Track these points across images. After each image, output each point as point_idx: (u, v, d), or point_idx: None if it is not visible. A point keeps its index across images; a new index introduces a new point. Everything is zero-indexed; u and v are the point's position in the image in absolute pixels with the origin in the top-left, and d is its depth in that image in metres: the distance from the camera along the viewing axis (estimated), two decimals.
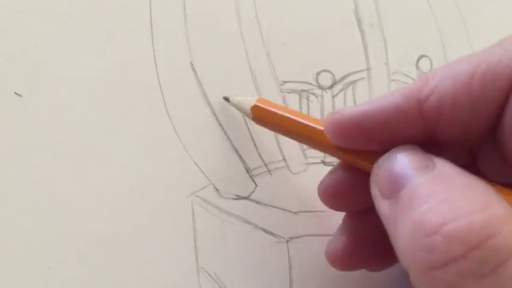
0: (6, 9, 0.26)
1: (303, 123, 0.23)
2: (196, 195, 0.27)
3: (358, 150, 0.21)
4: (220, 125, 0.28)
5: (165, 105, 0.27)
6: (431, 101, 0.20)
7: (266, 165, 0.28)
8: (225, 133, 0.28)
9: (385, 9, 0.31)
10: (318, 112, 0.29)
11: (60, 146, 0.26)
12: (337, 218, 0.25)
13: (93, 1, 0.27)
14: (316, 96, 0.29)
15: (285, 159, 0.28)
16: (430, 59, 0.31)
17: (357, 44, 0.30)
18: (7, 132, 0.25)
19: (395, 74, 0.31)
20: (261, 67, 0.29)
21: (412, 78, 0.31)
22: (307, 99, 0.29)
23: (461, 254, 0.16)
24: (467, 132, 0.20)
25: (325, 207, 0.27)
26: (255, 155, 0.28)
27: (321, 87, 0.30)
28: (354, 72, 0.30)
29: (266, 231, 0.27)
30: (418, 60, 0.31)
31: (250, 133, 0.28)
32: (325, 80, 0.30)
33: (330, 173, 0.24)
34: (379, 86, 0.30)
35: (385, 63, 0.31)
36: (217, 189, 0.27)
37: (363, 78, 0.30)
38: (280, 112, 0.24)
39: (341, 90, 0.30)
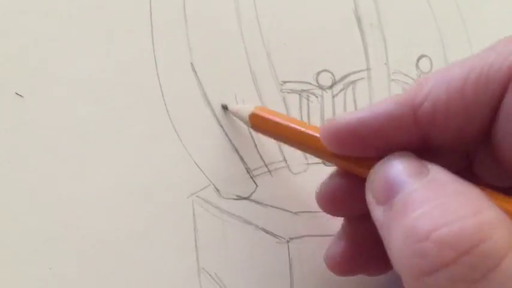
0: (6, 9, 0.26)
1: (299, 131, 0.24)
2: (197, 196, 0.27)
3: (354, 156, 0.22)
4: (220, 125, 0.28)
5: (165, 105, 0.27)
6: (425, 107, 0.20)
7: (266, 166, 0.28)
8: (226, 133, 0.28)
9: (385, 9, 0.31)
10: (318, 112, 0.29)
11: (60, 146, 0.26)
12: (337, 218, 0.25)
13: (93, 1, 0.27)
14: (316, 96, 0.29)
15: (285, 160, 0.28)
16: (430, 59, 0.31)
17: (357, 44, 0.31)
18: (8, 133, 0.25)
19: (395, 74, 0.31)
20: (261, 67, 0.29)
21: (412, 78, 0.31)
22: (307, 99, 0.29)
23: (452, 259, 0.16)
24: (461, 136, 0.20)
25: None
26: (255, 155, 0.28)
27: (321, 87, 0.30)
28: (354, 72, 0.30)
29: (267, 232, 0.27)
30: (418, 60, 0.31)
31: (250, 133, 0.28)
32: (325, 80, 0.30)
33: (328, 179, 0.24)
34: (379, 86, 0.30)
35: (385, 63, 0.31)
36: (217, 190, 0.27)
37: (363, 78, 0.30)
38: (277, 120, 0.25)
39: (341, 90, 0.30)
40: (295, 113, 0.29)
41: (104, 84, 0.27)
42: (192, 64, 0.28)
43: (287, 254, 0.27)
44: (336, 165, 0.24)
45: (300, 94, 0.29)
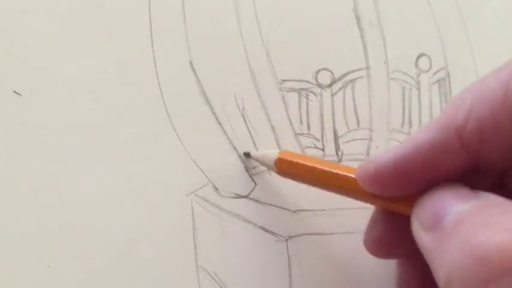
0: (6, 9, 0.26)
1: (334, 174, 0.22)
2: (195, 194, 0.27)
3: (396, 195, 0.20)
4: (219, 123, 0.28)
5: (164, 104, 0.27)
6: (470, 127, 0.18)
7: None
8: (225, 132, 0.28)
9: (384, 8, 0.31)
10: (317, 111, 0.29)
11: (59, 145, 0.26)
12: (336, 217, 0.25)
13: (93, 1, 0.27)
14: (316, 95, 0.29)
15: None
16: (429, 58, 0.31)
17: (356, 43, 0.30)
18: (6, 131, 0.25)
19: (394, 73, 0.31)
20: (260, 66, 0.29)
21: (412, 77, 0.31)
22: (307, 98, 0.29)
23: None
24: (508, 152, 0.19)
25: (324, 206, 0.27)
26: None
27: (320, 85, 0.30)
28: (353, 71, 0.30)
29: (265, 230, 0.27)
30: (417, 59, 0.31)
31: (249, 132, 0.28)
32: (325, 78, 0.30)
33: (371, 224, 0.23)
34: (378, 85, 0.30)
35: (385, 62, 0.31)
36: (216, 188, 0.27)
37: (362, 77, 0.30)
38: (307, 163, 0.24)
39: (340, 88, 0.30)
40: (294, 112, 0.29)
41: (103, 83, 0.27)
42: (191, 63, 0.28)
43: (286, 252, 0.27)
44: (375, 206, 0.23)
45: (299, 93, 0.29)
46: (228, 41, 0.29)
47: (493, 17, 0.33)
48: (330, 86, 0.30)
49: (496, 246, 0.15)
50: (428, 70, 0.31)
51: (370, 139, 0.29)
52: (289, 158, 0.25)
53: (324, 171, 0.23)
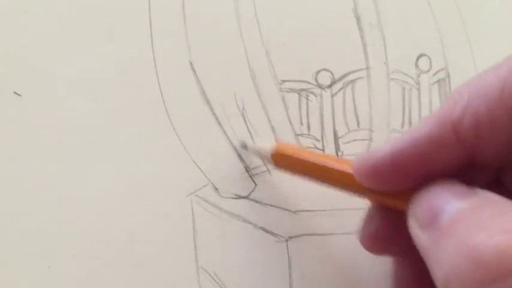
0: (6, 9, 0.26)
1: (330, 168, 0.22)
2: (195, 195, 0.27)
3: (392, 190, 0.20)
4: (219, 124, 0.28)
5: (164, 104, 0.27)
6: (467, 122, 0.19)
7: (265, 165, 0.28)
8: (225, 132, 0.28)
9: (384, 8, 0.31)
10: (317, 111, 0.29)
11: (59, 146, 0.26)
12: (335, 217, 0.25)
13: (93, 1, 0.27)
14: (316, 96, 0.29)
15: None
16: (429, 58, 0.31)
17: (356, 43, 0.30)
18: (6, 132, 0.25)
19: (394, 73, 0.31)
20: (260, 66, 0.29)
21: (412, 77, 0.31)
22: (306, 99, 0.29)
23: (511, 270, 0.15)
24: (505, 148, 0.19)
25: (324, 207, 0.27)
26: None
27: (320, 86, 0.29)
28: (353, 71, 0.30)
29: (265, 231, 0.27)
30: (417, 59, 0.31)
31: (249, 132, 0.28)
32: (325, 79, 0.30)
33: (367, 219, 0.23)
34: (378, 85, 0.30)
35: (385, 62, 0.31)
36: (216, 189, 0.27)
37: (362, 78, 0.30)
38: (304, 157, 0.24)
39: (340, 89, 0.30)
40: (294, 112, 0.29)
41: (103, 83, 0.27)
42: (191, 63, 0.28)
43: (286, 252, 0.27)
44: (371, 200, 0.23)
45: (299, 93, 0.29)
46: (228, 41, 0.29)
47: (493, 17, 0.33)
48: (330, 86, 0.30)
49: (493, 249, 0.15)
50: (428, 70, 0.31)
51: (370, 140, 0.29)
52: (286, 151, 0.25)
53: (320, 165, 0.23)
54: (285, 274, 0.27)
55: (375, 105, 0.30)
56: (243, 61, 0.29)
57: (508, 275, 0.15)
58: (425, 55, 0.31)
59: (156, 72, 0.27)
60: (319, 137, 0.29)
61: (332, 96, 0.30)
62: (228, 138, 0.28)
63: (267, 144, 0.26)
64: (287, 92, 0.29)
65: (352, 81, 0.30)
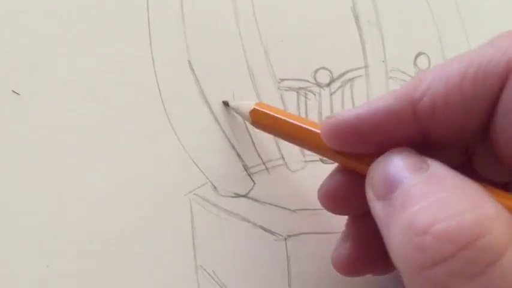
0: (6, 9, 0.26)
1: (300, 127, 0.24)
2: (194, 193, 0.27)
3: (354, 153, 0.22)
4: (218, 123, 0.28)
5: (163, 103, 0.27)
6: (424, 102, 0.20)
7: (264, 163, 0.28)
8: (223, 131, 0.28)
9: (383, 7, 0.31)
10: (316, 110, 0.29)
11: (57, 145, 0.26)
12: (336, 217, 0.25)
13: (92, 1, 0.27)
14: (314, 94, 0.29)
15: (283, 157, 0.28)
16: (428, 57, 0.31)
17: (355, 42, 0.30)
18: (4, 131, 0.25)
19: (393, 72, 0.31)
20: (258, 65, 0.29)
21: (410, 76, 0.31)
22: (305, 97, 0.29)
23: (451, 253, 0.16)
24: (460, 132, 0.20)
25: None
26: (253, 152, 0.28)
27: (318, 84, 0.30)
28: (352, 70, 0.30)
29: (264, 229, 0.27)
30: (416, 58, 0.31)
31: (248, 131, 0.28)
32: (323, 77, 0.30)
33: (329, 177, 0.24)
34: (377, 84, 0.30)
35: (383, 61, 0.31)
36: (215, 187, 0.27)
37: (360, 76, 0.30)
38: (278, 116, 0.25)
39: (339, 87, 0.30)
40: (293, 111, 0.29)
41: (102, 82, 0.27)
42: (189, 62, 0.28)
43: (285, 251, 0.27)
44: (336, 162, 0.24)
45: (297, 92, 0.29)
46: (226, 40, 0.29)
47: (492, 16, 0.33)
48: (328, 85, 0.30)
49: (433, 236, 0.16)
50: (427, 69, 0.31)
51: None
52: (264, 110, 0.25)
53: (292, 124, 0.24)
54: (284, 272, 0.27)
55: None
56: (242, 60, 0.29)
57: (448, 258, 0.16)
58: (424, 53, 0.31)
59: (155, 71, 0.27)
60: None
61: (331, 94, 0.30)
62: (227, 137, 0.28)
63: (246, 102, 0.26)
64: (286, 90, 0.29)
65: (351, 80, 0.30)
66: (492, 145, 0.20)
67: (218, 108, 0.28)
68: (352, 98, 0.30)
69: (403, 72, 0.31)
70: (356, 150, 0.22)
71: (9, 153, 0.25)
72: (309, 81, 0.29)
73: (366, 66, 0.30)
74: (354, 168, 0.22)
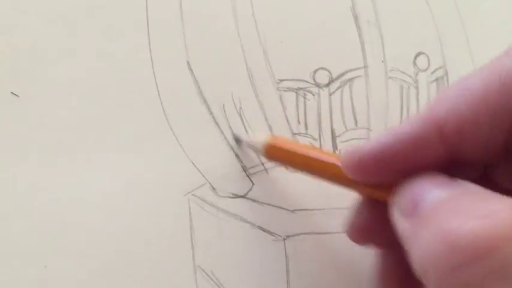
0: (6, 9, 0.26)
1: (319, 159, 0.23)
2: (193, 194, 0.27)
3: (378, 182, 0.21)
4: (216, 123, 0.28)
5: (161, 104, 0.27)
6: (450, 122, 0.19)
7: (263, 164, 0.28)
8: (222, 132, 0.28)
9: (382, 6, 0.31)
10: (315, 110, 0.29)
11: (56, 146, 0.26)
12: (333, 216, 0.25)
13: (91, 1, 0.27)
14: (313, 94, 0.29)
15: None
16: (427, 56, 0.31)
17: (354, 42, 0.30)
18: (3, 132, 0.25)
19: (392, 72, 0.30)
20: (257, 65, 0.29)
21: (410, 76, 0.31)
22: (304, 97, 0.29)
23: (485, 253, 0.15)
24: (487, 146, 0.20)
25: (321, 206, 0.27)
26: (251, 153, 0.28)
27: (317, 85, 0.29)
28: (351, 70, 0.30)
29: (263, 230, 0.27)
30: (415, 58, 0.31)
31: (246, 131, 0.28)
32: (322, 77, 0.30)
33: (353, 211, 0.24)
34: (376, 84, 0.30)
35: (383, 61, 0.30)
36: (214, 188, 0.27)
37: (360, 76, 0.30)
38: (294, 149, 0.24)
39: (338, 88, 0.30)
40: (292, 111, 0.29)
41: (100, 83, 0.27)
42: (188, 62, 0.28)
43: (283, 251, 0.27)
44: (358, 193, 0.23)
45: (296, 92, 0.29)
46: (225, 40, 0.29)
47: (492, 16, 0.32)
48: (327, 85, 0.30)
49: (467, 233, 0.15)
50: (426, 69, 0.31)
51: (368, 138, 0.29)
52: (278, 144, 0.25)
53: (310, 157, 0.23)
54: (283, 273, 0.27)
55: (372, 104, 0.30)
56: (241, 60, 0.29)
57: (481, 258, 0.15)
58: (423, 53, 0.31)
59: (154, 72, 0.27)
60: (316, 136, 0.29)
61: (330, 95, 0.30)
62: (225, 138, 0.28)
63: (260, 136, 0.26)
64: (284, 91, 0.29)
65: (350, 80, 0.30)
66: None
67: (217, 108, 0.28)
68: (352, 99, 0.30)
69: (403, 72, 0.31)
70: (380, 180, 0.21)
71: (9, 154, 0.25)
72: (308, 82, 0.29)
73: (365, 67, 0.30)
74: (377, 198, 0.22)
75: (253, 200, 0.28)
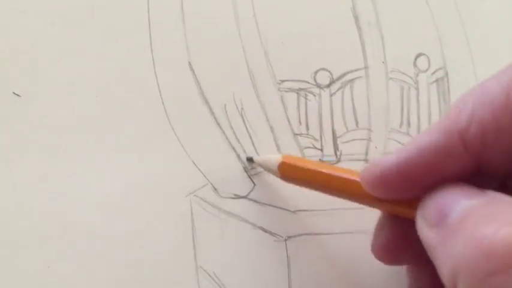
0: (6, 9, 0.26)
1: (337, 177, 0.22)
2: (194, 195, 0.27)
3: (399, 198, 0.20)
4: (218, 124, 0.28)
5: (163, 104, 0.27)
6: (473, 131, 0.19)
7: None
8: (223, 132, 0.28)
9: (382, 7, 0.31)
10: (316, 111, 0.29)
11: (58, 146, 0.26)
12: (334, 217, 0.25)
13: (92, 1, 0.27)
14: (314, 95, 0.29)
15: None
16: (427, 57, 0.31)
17: (355, 43, 0.30)
18: (5, 132, 0.25)
19: (393, 73, 0.31)
20: (258, 66, 0.29)
21: (410, 77, 0.31)
22: (305, 98, 0.29)
23: None
24: (509, 155, 0.19)
25: (323, 207, 0.27)
26: (253, 154, 0.28)
27: (318, 85, 0.30)
28: (352, 71, 0.30)
29: (264, 230, 0.27)
30: (415, 59, 0.31)
31: (248, 132, 0.28)
32: (323, 78, 0.30)
33: (377, 230, 0.23)
34: (377, 85, 0.30)
35: (383, 62, 0.31)
36: (215, 189, 0.27)
37: (360, 77, 0.30)
38: (311, 167, 0.24)
39: (339, 88, 0.30)
40: (293, 112, 0.29)
41: (102, 83, 0.27)
42: (189, 63, 0.28)
43: (285, 252, 0.27)
44: (380, 210, 0.23)
45: (297, 93, 0.29)
46: (226, 41, 0.29)
47: (492, 17, 0.33)
48: (328, 86, 0.30)
49: (501, 240, 0.15)
50: (426, 70, 0.31)
51: (369, 139, 0.30)
52: (293, 163, 0.25)
53: (327, 175, 0.23)
54: (284, 274, 0.27)
55: (373, 105, 0.30)
56: (242, 61, 0.29)
57: None
58: (423, 54, 0.31)
59: (155, 72, 0.27)
60: (317, 137, 0.29)
61: (331, 95, 0.30)
62: (227, 139, 0.28)
63: (273, 156, 0.26)
64: (286, 91, 0.29)
65: (351, 81, 0.30)
66: None
67: (218, 109, 0.28)
68: (352, 99, 0.30)
69: (403, 73, 0.31)
70: (402, 196, 0.20)
71: (11, 154, 0.25)
72: (309, 83, 0.29)
73: (366, 67, 0.30)
74: (400, 214, 0.21)
75: (255, 201, 0.28)
